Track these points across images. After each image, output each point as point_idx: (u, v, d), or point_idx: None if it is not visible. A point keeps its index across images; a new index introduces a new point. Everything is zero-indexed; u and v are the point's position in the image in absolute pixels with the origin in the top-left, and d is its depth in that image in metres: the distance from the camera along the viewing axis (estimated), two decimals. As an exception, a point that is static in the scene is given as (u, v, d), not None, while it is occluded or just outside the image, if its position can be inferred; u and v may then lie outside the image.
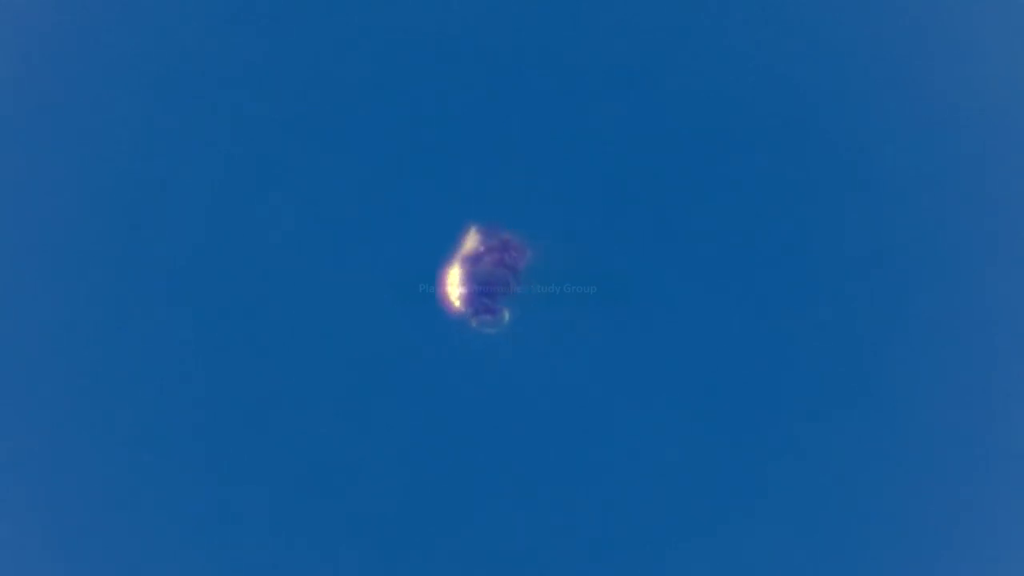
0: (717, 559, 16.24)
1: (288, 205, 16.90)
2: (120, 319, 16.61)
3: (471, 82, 17.24)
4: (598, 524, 16.28)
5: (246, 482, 16.30)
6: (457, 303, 16.28)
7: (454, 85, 17.24)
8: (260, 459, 16.33)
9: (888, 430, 16.44)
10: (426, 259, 16.81)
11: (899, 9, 17.51)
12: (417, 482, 16.36)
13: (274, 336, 16.59)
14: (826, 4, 17.47)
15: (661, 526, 16.30)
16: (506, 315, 16.22)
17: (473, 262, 16.20)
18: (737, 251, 16.84)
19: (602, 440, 16.45)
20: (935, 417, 16.47)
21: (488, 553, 16.26)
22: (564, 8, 17.39)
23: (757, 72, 17.28)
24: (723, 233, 16.89)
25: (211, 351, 16.60)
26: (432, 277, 16.76)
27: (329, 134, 17.10)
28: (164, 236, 16.80)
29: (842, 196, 16.99)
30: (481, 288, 16.34)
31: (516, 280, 16.22)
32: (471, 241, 16.07)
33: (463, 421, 16.48)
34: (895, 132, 17.18)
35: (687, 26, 17.38)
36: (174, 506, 16.23)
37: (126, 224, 16.86)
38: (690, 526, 16.29)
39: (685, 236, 16.87)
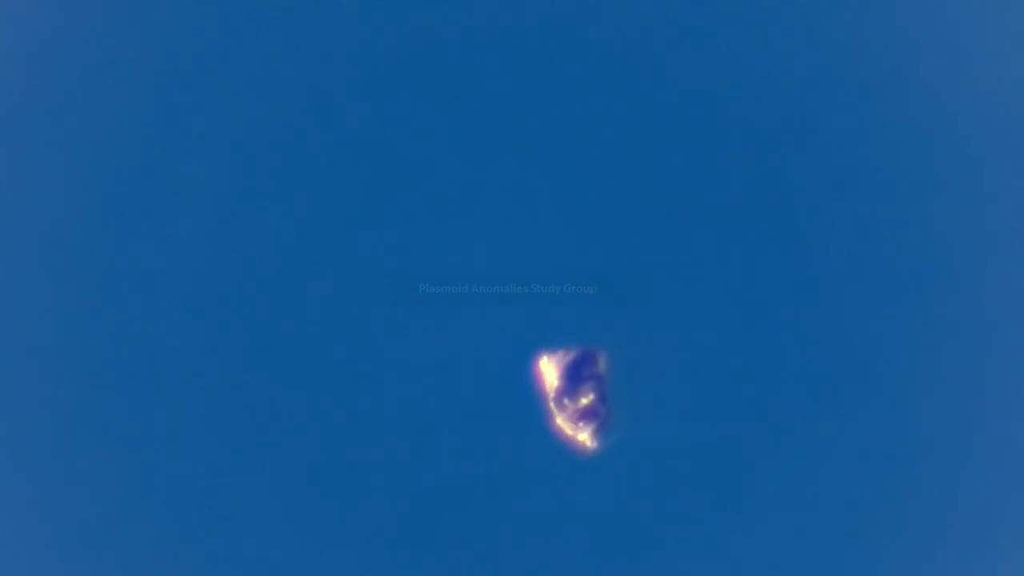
0: (720, 554, 16.24)
1: (292, 208, 16.87)
2: (123, 319, 16.56)
3: (474, 83, 17.20)
4: (596, 520, 16.26)
5: (246, 484, 16.27)
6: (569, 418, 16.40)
7: (457, 86, 17.20)
8: (262, 460, 16.29)
9: (888, 429, 16.44)
10: (427, 260, 16.78)
11: (896, 12, 17.49)
12: (413, 476, 16.33)
13: (279, 340, 16.56)
14: (825, 8, 17.45)
15: (660, 522, 16.28)
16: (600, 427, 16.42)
17: (566, 393, 16.36)
18: (737, 252, 16.82)
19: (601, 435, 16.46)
20: (934, 416, 16.47)
21: (484, 551, 16.26)
22: (570, 13, 17.37)
23: (757, 75, 17.25)
24: (723, 234, 16.87)
25: (219, 356, 16.58)
26: (431, 277, 16.74)
27: (329, 137, 17.06)
28: (169, 238, 16.75)
29: (841, 198, 16.97)
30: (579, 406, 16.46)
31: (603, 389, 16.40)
32: (549, 373, 16.31)
33: (461, 420, 16.46)
34: (894, 136, 17.17)
35: (687, 30, 17.35)
36: (176, 505, 16.19)
37: (128, 225, 16.80)
38: (690, 521, 16.28)
39: (685, 237, 16.85)
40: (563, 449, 16.41)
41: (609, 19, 17.34)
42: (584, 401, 16.30)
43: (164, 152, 16.97)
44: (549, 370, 16.38)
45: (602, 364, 16.36)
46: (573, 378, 16.40)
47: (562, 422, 16.37)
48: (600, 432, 16.31)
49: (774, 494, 16.30)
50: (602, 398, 16.33)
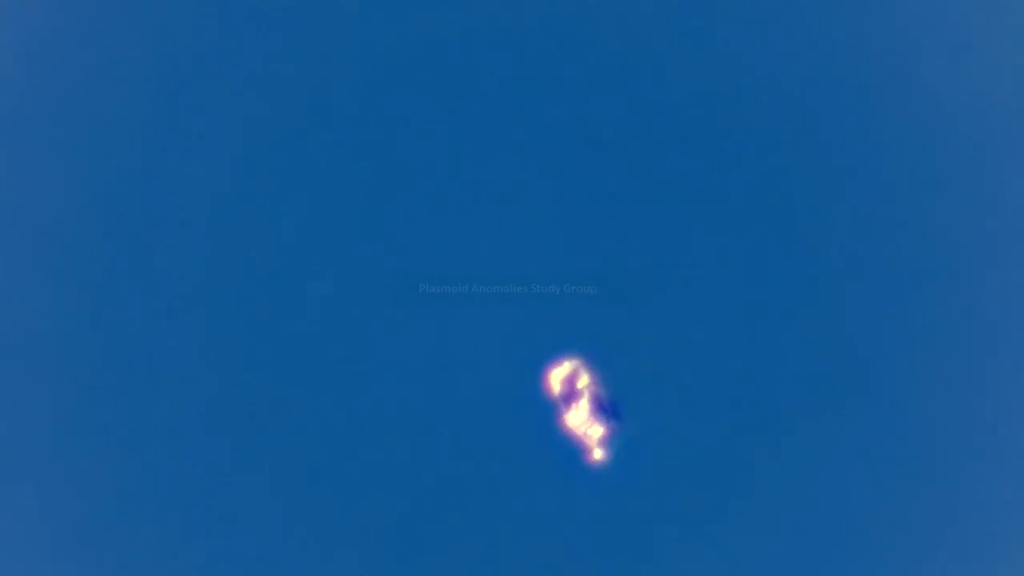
0: (718, 555, 16.24)
1: (292, 208, 16.89)
2: (122, 319, 16.58)
3: (474, 83, 17.21)
4: (595, 521, 16.27)
5: (246, 485, 16.28)
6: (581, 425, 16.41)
7: (457, 86, 17.22)
8: (262, 461, 16.30)
9: (892, 430, 16.44)
10: (427, 260, 16.79)
11: (897, 12, 17.51)
12: (413, 476, 16.34)
13: (278, 340, 16.58)
14: (825, 8, 17.46)
15: (661, 522, 16.29)
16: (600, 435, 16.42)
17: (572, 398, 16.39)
18: (739, 252, 16.83)
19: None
20: (939, 417, 16.47)
21: (482, 551, 16.27)
22: (570, 13, 17.38)
23: (757, 76, 17.27)
24: (724, 234, 16.88)
25: (219, 356, 16.61)
26: (431, 277, 16.76)
27: (329, 137, 17.09)
28: (169, 238, 16.78)
29: (840, 198, 16.98)
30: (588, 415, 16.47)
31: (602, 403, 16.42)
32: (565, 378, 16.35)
33: (462, 420, 16.47)
34: (893, 136, 17.17)
35: (687, 30, 17.36)
36: (175, 505, 16.21)
37: (128, 225, 16.83)
38: (690, 522, 16.29)
39: (686, 237, 16.86)
40: (565, 451, 16.42)
41: (609, 19, 17.35)
42: (583, 410, 16.32)
43: (164, 152, 16.98)
44: (555, 379, 16.41)
45: (589, 376, 16.37)
46: (570, 390, 16.43)
47: (570, 428, 16.40)
48: (605, 439, 16.32)
49: (779, 496, 16.30)
50: (599, 408, 16.34)
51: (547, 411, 16.44)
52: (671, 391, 16.49)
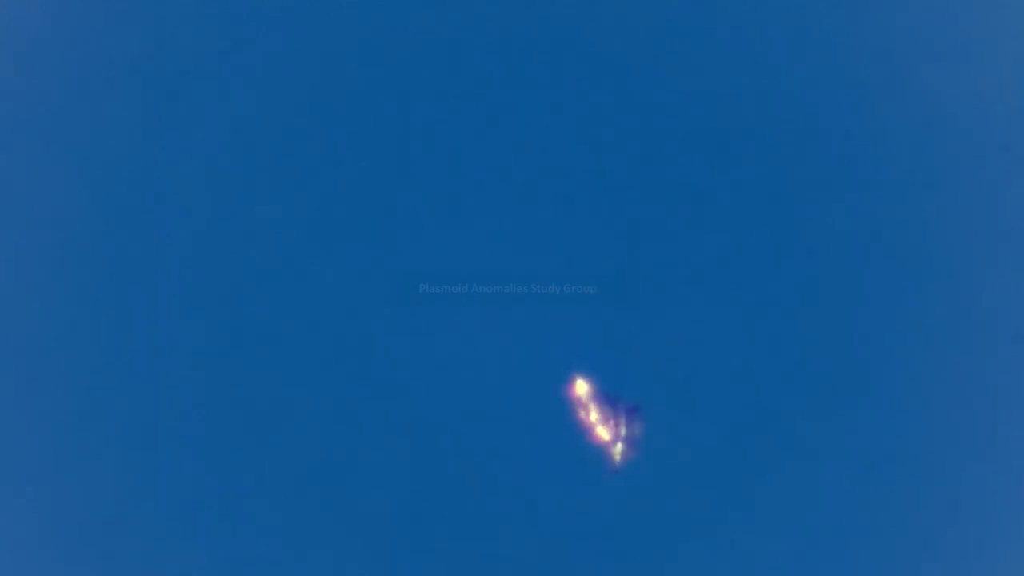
0: (719, 557, 16.24)
1: (292, 208, 16.90)
2: (122, 319, 16.58)
3: (474, 82, 17.23)
4: (599, 521, 16.27)
5: (245, 486, 16.29)
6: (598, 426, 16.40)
7: (457, 86, 17.23)
8: (262, 461, 16.31)
9: (890, 429, 16.45)
10: (427, 260, 16.80)
11: (896, 12, 17.52)
12: (413, 476, 16.35)
13: (278, 340, 16.58)
14: (825, 8, 17.47)
15: (662, 523, 16.29)
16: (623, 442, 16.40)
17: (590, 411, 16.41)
18: (740, 252, 16.83)
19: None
20: (936, 416, 16.48)
21: (484, 552, 16.27)
22: (571, 13, 17.40)
23: (757, 76, 17.27)
24: (722, 234, 16.88)
25: (218, 357, 16.61)
26: (431, 277, 16.77)
27: (328, 137, 17.10)
28: (169, 238, 16.78)
29: (841, 197, 16.98)
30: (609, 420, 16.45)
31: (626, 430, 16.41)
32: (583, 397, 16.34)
33: (462, 420, 16.48)
34: (894, 137, 17.18)
35: (688, 30, 17.37)
36: (176, 506, 16.21)
37: (128, 225, 16.84)
38: (691, 522, 16.29)
39: (686, 237, 16.87)
40: (566, 450, 16.43)
41: (609, 19, 17.36)
42: (596, 420, 16.34)
43: (163, 151, 16.99)
44: (580, 388, 16.45)
45: (593, 386, 16.39)
46: (580, 404, 16.48)
47: (595, 432, 16.42)
48: (622, 445, 16.34)
49: (781, 496, 16.31)
50: (607, 418, 16.37)
51: (547, 411, 16.45)
52: (671, 391, 16.49)
